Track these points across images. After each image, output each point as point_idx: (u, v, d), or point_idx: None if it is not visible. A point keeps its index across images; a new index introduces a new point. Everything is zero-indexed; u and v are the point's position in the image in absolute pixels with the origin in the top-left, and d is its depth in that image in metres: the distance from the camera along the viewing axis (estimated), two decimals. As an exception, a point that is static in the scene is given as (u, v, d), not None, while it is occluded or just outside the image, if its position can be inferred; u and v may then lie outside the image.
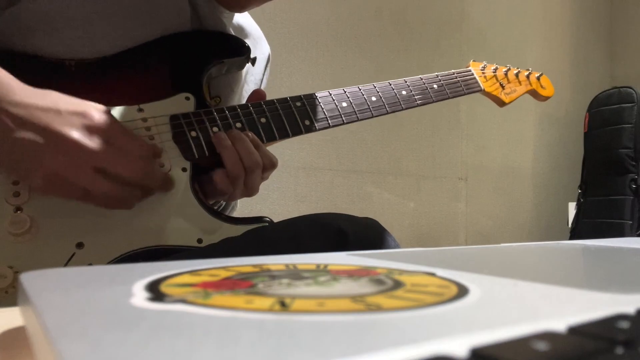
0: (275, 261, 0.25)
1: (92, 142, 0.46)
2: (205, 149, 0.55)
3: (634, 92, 2.14)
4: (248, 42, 0.65)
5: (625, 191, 2.08)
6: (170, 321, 0.14)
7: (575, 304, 0.17)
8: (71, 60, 0.54)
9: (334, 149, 1.65)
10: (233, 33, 0.65)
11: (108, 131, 0.47)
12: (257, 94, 0.61)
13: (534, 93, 0.84)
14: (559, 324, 0.13)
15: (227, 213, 0.69)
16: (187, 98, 0.56)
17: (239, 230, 0.54)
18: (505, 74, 0.81)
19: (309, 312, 0.15)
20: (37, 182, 0.46)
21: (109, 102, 0.52)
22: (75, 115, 0.46)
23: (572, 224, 2.26)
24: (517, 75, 0.82)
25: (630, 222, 2.05)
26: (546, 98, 0.84)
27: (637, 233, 2.04)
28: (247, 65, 0.65)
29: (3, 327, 0.21)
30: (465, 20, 2.04)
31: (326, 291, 0.18)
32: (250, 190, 0.57)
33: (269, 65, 0.79)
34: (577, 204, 2.25)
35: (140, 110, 0.54)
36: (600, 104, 2.22)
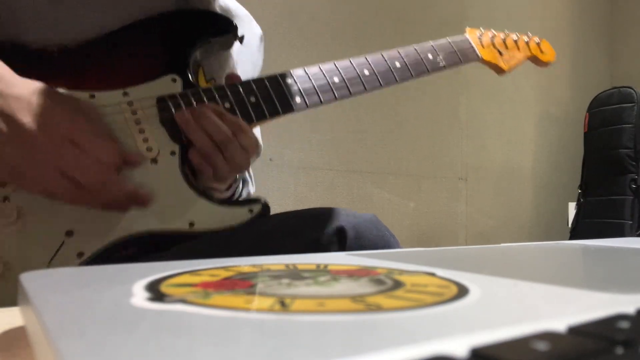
0: (275, 261, 0.25)
1: (54, 141, 0.43)
2: None
3: (634, 92, 2.14)
4: (236, 22, 0.63)
5: (625, 191, 2.08)
6: (170, 321, 0.14)
7: (575, 304, 0.17)
8: (53, 47, 0.52)
9: (334, 149, 1.65)
10: (217, 10, 0.63)
11: (77, 130, 0.45)
12: (232, 77, 0.59)
13: (534, 59, 0.80)
14: (559, 324, 0.13)
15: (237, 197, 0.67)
16: (174, 80, 0.55)
17: (232, 212, 0.52)
18: (504, 41, 0.77)
19: (309, 312, 0.15)
20: (2, 173, 0.45)
21: (93, 88, 0.50)
22: (45, 108, 0.44)
23: (572, 224, 2.26)
24: (515, 42, 0.78)
25: (630, 222, 2.05)
26: (547, 63, 0.80)
27: (637, 233, 2.04)
28: (238, 44, 0.62)
29: (3, 327, 0.21)
30: (465, 20, 2.04)
31: (326, 291, 0.18)
32: (236, 166, 0.54)
33: (262, 45, 0.75)
34: (577, 204, 2.25)
35: (126, 94, 0.52)
36: (600, 104, 2.22)
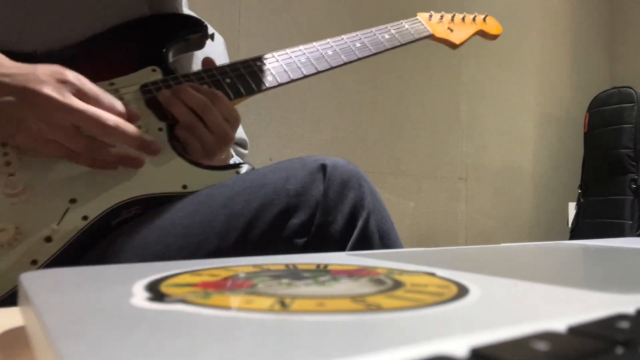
0: (275, 261, 0.25)
1: (66, 99, 0.48)
2: None
3: (634, 92, 2.14)
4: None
5: (625, 191, 2.08)
6: (170, 321, 0.14)
7: (575, 304, 0.17)
8: (42, 51, 0.57)
9: (334, 149, 1.65)
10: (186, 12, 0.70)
11: (83, 89, 0.50)
12: (207, 61, 0.65)
13: (482, 33, 0.88)
14: (559, 324, 0.13)
15: None
16: (154, 70, 0.61)
17: (220, 174, 0.57)
18: (452, 19, 0.85)
19: (309, 312, 0.15)
20: (22, 140, 0.50)
21: None
22: (51, 75, 0.49)
23: (572, 224, 2.26)
24: (463, 19, 0.86)
25: (630, 222, 2.05)
26: (495, 36, 0.88)
27: (637, 233, 2.04)
28: (208, 45, 0.69)
29: (3, 327, 0.21)
30: (465, 20, 2.04)
31: (326, 291, 0.18)
32: (220, 136, 0.59)
33: (225, 49, 0.84)
34: (577, 204, 2.25)
35: (112, 84, 0.58)
36: (600, 104, 2.22)
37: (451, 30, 0.84)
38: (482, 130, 2.11)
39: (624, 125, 2.11)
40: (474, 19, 0.87)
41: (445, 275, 0.21)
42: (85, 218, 0.51)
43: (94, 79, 0.56)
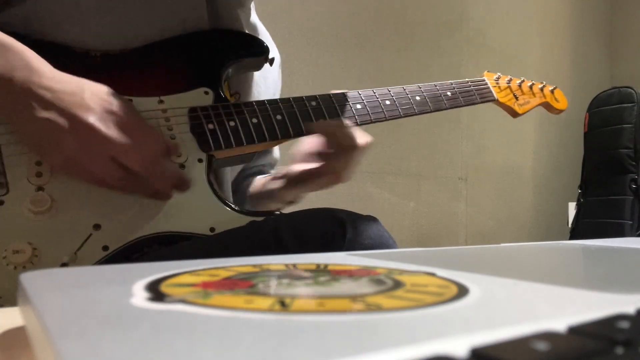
0: (275, 261, 0.25)
1: (109, 130, 0.47)
2: (221, 141, 0.56)
3: (634, 92, 2.14)
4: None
5: (625, 191, 2.08)
6: (170, 321, 0.14)
7: (575, 304, 0.17)
8: (97, 52, 0.55)
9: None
10: (247, 31, 0.67)
11: (126, 122, 0.48)
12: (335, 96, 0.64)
13: (547, 105, 0.85)
14: (559, 324, 0.13)
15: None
16: (206, 92, 0.58)
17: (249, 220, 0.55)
18: (519, 86, 0.82)
19: (309, 312, 0.15)
20: (56, 162, 0.48)
21: (131, 93, 0.54)
22: (97, 102, 0.48)
23: (572, 224, 2.26)
24: (530, 87, 0.83)
25: (630, 222, 2.05)
26: (560, 111, 0.85)
27: (637, 233, 2.04)
28: (268, 67, 0.67)
29: (3, 327, 0.21)
30: (465, 20, 2.04)
31: (326, 291, 0.18)
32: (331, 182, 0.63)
33: (280, 70, 0.81)
34: (577, 204, 2.25)
35: (161, 101, 0.56)
36: (600, 104, 2.22)
37: (516, 98, 0.82)
38: (482, 130, 2.11)
39: (624, 125, 2.11)
40: (542, 89, 0.84)
41: (445, 275, 0.21)
42: (105, 248, 0.48)
43: (144, 89, 0.56)
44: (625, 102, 2.14)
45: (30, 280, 0.20)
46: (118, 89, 0.52)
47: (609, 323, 0.13)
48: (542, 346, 0.11)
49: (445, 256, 0.30)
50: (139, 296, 0.17)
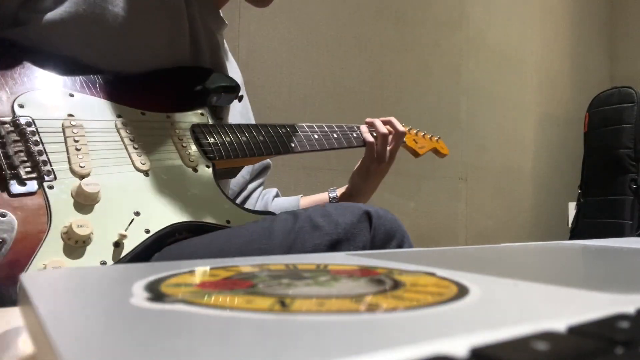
0: (275, 261, 0.25)
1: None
2: (222, 153, 0.66)
3: (634, 92, 2.14)
4: (232, 69, 0.83)
5: (625, 191, 2.08)
6: (170, 321, 0.14)
7: (575, 304, 0.17)
8: (109, 71, 0.63)
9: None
10: (223, 57, 0.79)
11: None
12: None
13: (435, 150, 1.08)
14: (559, 324, 0.13)
15: None
16: (202, 114, 0.69)
17: (255, 217, 0.65)
18: (416, 134, 1.04)
19: (309, 312, 0.15)
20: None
21: (144, 107, 0.63)
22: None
23: (572, 224, 2.26)
24: (423, 136, 1.06)
25: (630, 222, 2.05)
26: (444, 155, 1.09)
27: (637, 233, 2.04)
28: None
29: (3, 327, 0.21)
30: (465, 20, 2.04)
31: (326, 291, 0.18)
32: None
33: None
34: (577, 204, 2.25)
35: (169, 117, 0.65)
36: (600, 104, 2.22)
37: (416, 142, 1.04)
38: (482, 130, 2.11)
39: (624, 125, 2.11)
40: (430, 138, 1.07)
41: (445, 275, 0.21)
42: (147, 231, 0.54)
43: (154, 105, 0.65)
44: (625, 102, 2.14)
45: (30, 280, 0.20)
46: (132, 103, 0.62)
47: (609, 323, 0.13)
48: (542, 346, 0.11)
49: (445, 256, 0.30)
50: (139, 296, 0.17)
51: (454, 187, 2.01)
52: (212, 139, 0.66)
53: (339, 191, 0.92)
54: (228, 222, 0.61)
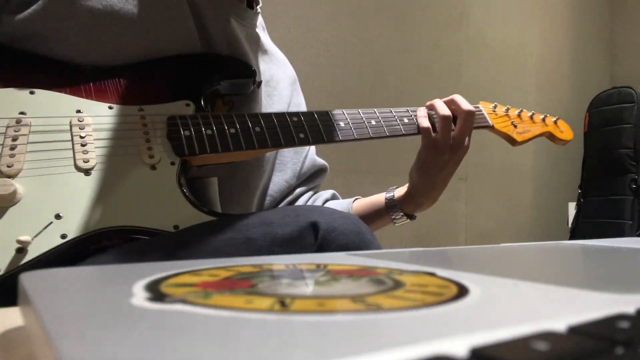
0: (275, 261, 0.25)
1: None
2: (196, 147, 0.58)
3: (634, 92, 2.14)
4: (266, 61, 0.73)
5: (625, 191, 2.08)
6: (170, 321, 0.14)
7: (575, 304, 0.17)
8: (86, 65, 0.59)
9: (334, 149, 1.64)
10: (247, 47, 0.70)
11: None
12: None
13: (550, 136, 0.83)
14: (559, 324, 0.13)
15: None
16: (187, 104, 0.62)
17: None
18: (518, 115, 0.82)
19: (309, 312, 0.15)
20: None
21: (115, 101, 0.58)
22: None
23: (572, 224, 2.26)
24: (531, 117, 0.82)
25: (630, 222, 2.05)
26: (565, 142, 0.83)
27: (637, 233, 2.04)
28: (274, 85, 0.71)
29: (3, 327, 0.21)
30: (465, 20, 2.04)
31: (326, 291, 0.18)
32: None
33: (296, 85, 0.84)
34: (577, 204, 2.25)
35: (141, 109, 0.59)
36: (600, 104, 2.22)
37: (514, 126, 0.81)
38: (482, 130, 2.11)
39: (624, 125, 2.11)
40: (543, 120, 0.83)
41: (445, 275, 0.21)
42: (63, 236, 0.50)
43: (126, 99, 0.59)
44: (625, 102, 2.14)
45: (30, 280, 0.20)
46: (100, 97, 0.56)
47: (609, 323, 0.13)
48: (542, 346, 0.11)
49: (445, 256, 0.30)
50: (139, 296, 0.17)
51: (454, 187, 2.01)
52: (187, 132, 0.58)
53: (398, 191, 0.79)
54: (176, 227, 0.53)
